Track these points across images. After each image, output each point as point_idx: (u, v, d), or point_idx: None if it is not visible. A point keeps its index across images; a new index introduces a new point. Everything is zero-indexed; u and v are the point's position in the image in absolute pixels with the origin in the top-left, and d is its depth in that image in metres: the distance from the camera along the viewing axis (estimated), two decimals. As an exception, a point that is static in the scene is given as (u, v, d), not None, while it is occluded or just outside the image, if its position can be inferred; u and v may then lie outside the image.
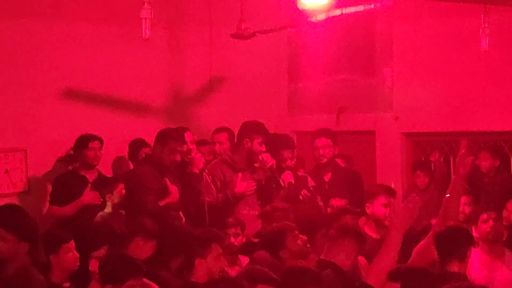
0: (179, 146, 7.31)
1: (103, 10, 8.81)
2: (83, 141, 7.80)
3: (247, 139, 7.55)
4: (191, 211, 7.14)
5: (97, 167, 7.95)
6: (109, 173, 8.44)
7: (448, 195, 5.95)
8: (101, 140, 7.85)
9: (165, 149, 7.26)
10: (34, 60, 8.45)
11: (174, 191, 7.20)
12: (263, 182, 7.55)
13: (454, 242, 5.47)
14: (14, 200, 8.15)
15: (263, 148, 7.54)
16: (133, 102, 9.12)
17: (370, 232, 6.63)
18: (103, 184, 7.59)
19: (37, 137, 8.43)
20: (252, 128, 7.62)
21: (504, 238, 6.49)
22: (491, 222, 6.39)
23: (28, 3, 8.41)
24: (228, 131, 8.44)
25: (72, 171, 7.91)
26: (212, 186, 7.38)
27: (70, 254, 5.83)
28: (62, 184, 7.76)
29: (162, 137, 7.38)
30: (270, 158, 7.54)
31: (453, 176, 5.89)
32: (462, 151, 5.93)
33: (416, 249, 5.86)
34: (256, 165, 7.61)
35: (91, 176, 7.77)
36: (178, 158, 7.29)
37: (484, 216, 6.43)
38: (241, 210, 7.38)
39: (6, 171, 8.37)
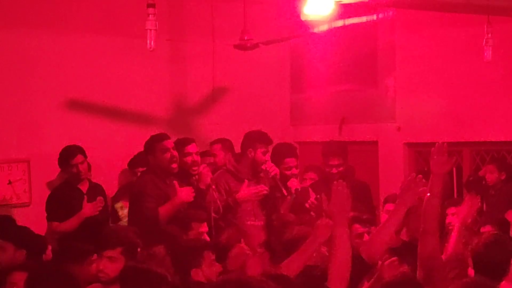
0: (167, 143, 7.29)
1: (107, 21, 8.83)
2: (64, 159, 7.68)
3: (251, 149, 7.55)
4: None
5: (87, 176, 7.93)
6: (114, 185, 8.46)
7: (429, 194, 5.88)
8: (82, 152, 7.67)
9: (157, 154, 7.26)
10: (37, 70, 8.46)
11: (186, 190, 7.13)
12: (268, 192, 7.53)
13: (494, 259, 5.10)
14: (18, 211, 8.18)
15: (267, 158, 7.53)
16: (136, 113, 9.13)
17: None
18: (98, 193, 7.61)
19: (40, 148, 8.43)
20: (255, 138, 7.62)
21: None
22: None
23: (30, 14, 8.42)
24: (222, 142, 8.45)
25: (65, 184, 7.78)
26: (218, 202, 7.28)
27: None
28: (58, 199, 7.66)
29: (148, 146, 7.39)
30: (274, 167, 7.53)
31: (431, 176, 5.81)
32: (433, 149, 5.85)
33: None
34: (261, 174, 7.59)
35: (83, 187, 7.70)
36: (176, 153, 7.26)
37: (485, 228, 6.41)
38: (246, 220, 7.35)
39: (9, 182, 8.38)
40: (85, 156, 7.69)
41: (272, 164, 7.54)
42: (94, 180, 8.24)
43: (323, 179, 8.07)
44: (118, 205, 7.67)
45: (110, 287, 5.17)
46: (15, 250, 5.80)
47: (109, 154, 8.63)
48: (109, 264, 5.18)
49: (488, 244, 5.16)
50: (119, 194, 8.06)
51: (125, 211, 7.58)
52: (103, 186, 8.16)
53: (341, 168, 7.96)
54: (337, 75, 10.05)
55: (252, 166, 7.54)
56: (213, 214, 7.13)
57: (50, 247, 6.58)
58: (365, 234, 6.46)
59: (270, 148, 7.77)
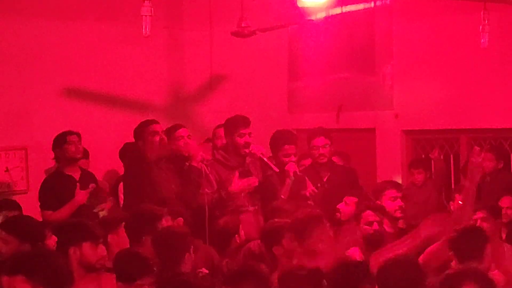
0: (155, 127, 7.37)
1: (104, 9, 8.85)
2: (61, 137, 7.61)
3: (229, 136, 7.55)
4: (192, 206, 7.10)
5: (80, 165, 7.92)
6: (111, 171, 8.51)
7: (461, 202, 5.81)
8: (78, 135, 7.63)
9: (147, 139, 7.32)
10: (35, 58, 8.48)
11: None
12: (261, 175, 7.51)
13: (471, 243, 5.32)
14: (15, 198, 8.16)
15: (247, 139, 7.46)
16: (133, 101, 9.15)
17: (386, 227, 6.65)
18: (90, 180, 7.57)
19: (37, 135, 8.45)
20: (232, 124, 7.57)
21: (502, 235, 6.45)
22: (478, 222, 6.22)
23: (27, 2, 8.44)
24: None
25: (56, 172, 7.70)
26: (212, 178, 7.27)
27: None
28: (50, 188, 7.57)
29: (137, 132, 7.48)
30: (258, 147, 7.50)
31: (466, 183, 5.72)
32: (473, 158, 5.77)
33: (429, 249, 5.75)
34: (247, 159, 7.51)
35: (75, 174, 7.61)
36: (165, 137, 7.34)
37: (477, 214, 6.29)
38: (241, 207, 7.27)
39: (7, 170, 8.41)
40: (80, 141, 7.65)
41: (256, 145, 7.51)
42: (91, 167, 8.27)
43: (312, 165, 8.04)
44: (97, 209, 7.59)
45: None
46: (19, 244, 5.80)
47: (106, 142, 8.66)
48: (106, 251, 5.24)
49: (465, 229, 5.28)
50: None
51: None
52: (99, 173, 8.18)
53: (327, 149, 7.91)
54: (334, 63, 10.06)
55: (237, 152, 7.52)
56: (206, 190, 7.14)
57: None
58: (375, 223, 6.36)
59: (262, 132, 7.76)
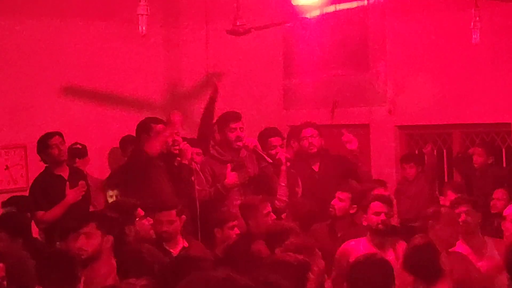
0: (160, 127, 7.38)
1: (100, 7, 8.90)
2: (43, 142, 7.58)
3: (221, 131, 7.62)
4: (183, 204, 7.15)
5: (78, 163, 7.98)
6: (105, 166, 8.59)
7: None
8: (60, 135, 7.58)
9: (149, 135, 7.32)
10: (33, 57, 8.53)
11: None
12: (257, 168, 7.61)
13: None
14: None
15: (239, 133, 7.55)
16: (130, 98, 9.21)
17: None
18: (79, 178, 7.59)
19: (37, 133, 8.46)
20: (224, 119, 7.66)
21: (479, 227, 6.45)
22: (463, 216, 6.26)
23: (25, 1, 8.51)
24: None
25: (45, 172, 7.67)
26: (202, 177, 7.34)
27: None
28: (40, 189, 7.54)
29: (140, 127, 7.48)
30: (251, 140, 7.56)
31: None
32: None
33: None
34: (242, 153, 7.60)
35: (64, 173, 7.60)
36: (169, 139, 7.41)
37: (459, 208, 6.33)
38: (234, 200, 7.31)
39: (7, 167, 8.47)
40: (63, 140, 7.60)
41: (249, 137, 7.59)
42: (89, 165, 8.35)
43: (299, 158, 8.15)
44: (109, 194, 7.66)
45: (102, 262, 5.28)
46: (11, 240, 5.88)
47: (104, 139, 8.74)
48: (85, 240, 5.23)
49: (419, 247, 5.19)
50: (111, 181, 8.04)
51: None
52: (97, 171, 8.25)
53: (316, 139, 8.02)
54: (328, 60, 10.15)
55: (230, 147, 7.57)
56: (196, 187, 7.22)
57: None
58: (383, 214, 6.27)
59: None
